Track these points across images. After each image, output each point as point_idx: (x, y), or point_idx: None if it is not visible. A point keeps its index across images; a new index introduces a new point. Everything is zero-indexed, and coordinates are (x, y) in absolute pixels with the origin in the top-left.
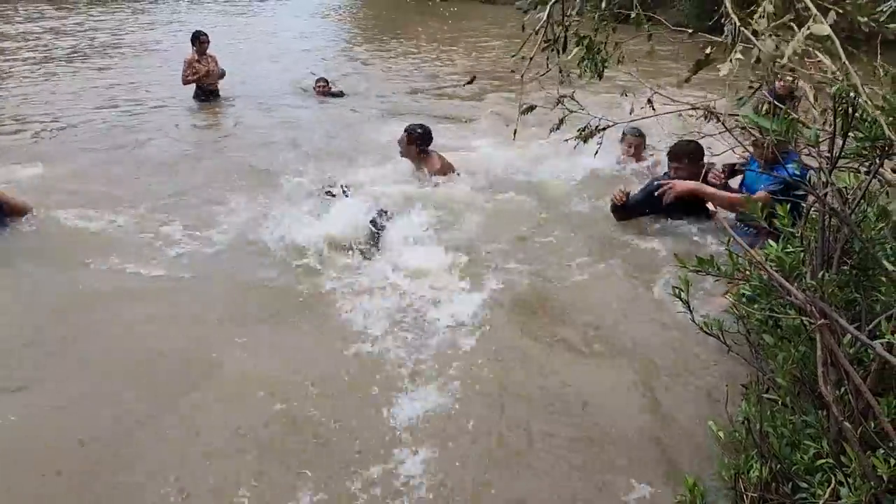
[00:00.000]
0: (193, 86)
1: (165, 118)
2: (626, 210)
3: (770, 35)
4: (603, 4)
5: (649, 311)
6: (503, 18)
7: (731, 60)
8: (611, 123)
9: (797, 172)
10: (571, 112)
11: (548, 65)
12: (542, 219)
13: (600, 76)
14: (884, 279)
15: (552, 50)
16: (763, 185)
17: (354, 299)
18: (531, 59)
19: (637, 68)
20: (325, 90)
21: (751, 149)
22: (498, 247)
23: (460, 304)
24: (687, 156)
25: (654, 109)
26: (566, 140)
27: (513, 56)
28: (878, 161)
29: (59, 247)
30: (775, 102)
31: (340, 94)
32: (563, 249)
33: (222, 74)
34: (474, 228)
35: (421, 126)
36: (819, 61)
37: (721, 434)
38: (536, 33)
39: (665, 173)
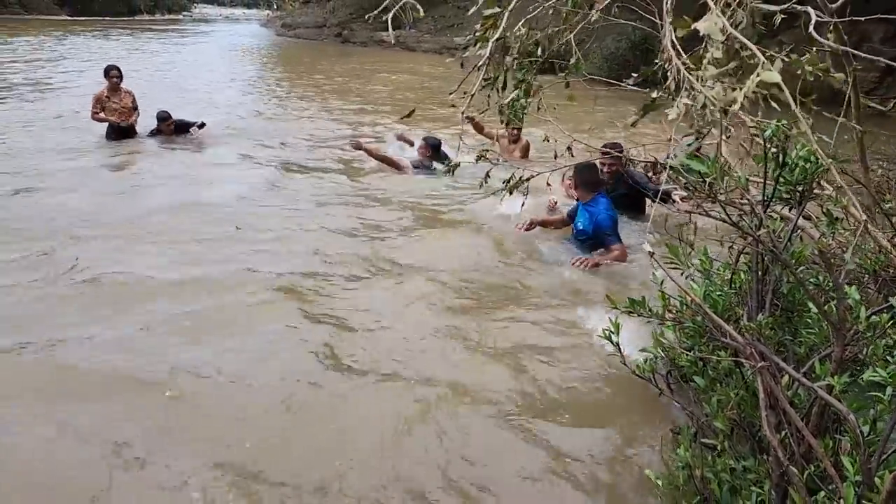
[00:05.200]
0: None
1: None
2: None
3: (717, 81)
4: (539, 51)
5: (578, 354)
6: (422, 62)
7: (677, 105)
8: (535, 174)
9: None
10: (495, 164)
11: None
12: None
13: (516, 124)
14: (809, 321)
15: (492, 88)
16: (583, 222)
17: None
18: (472, 95)
19: (556, 116)
20: (169, 129)
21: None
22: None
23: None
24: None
25: (573, 156)
26: (492, 194)
27: (451, 93)
28: (800, 204)
29: None
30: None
31: (189, 127)
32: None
33: (130, 112)
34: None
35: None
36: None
37: (660, 482)
38: (478, 69)
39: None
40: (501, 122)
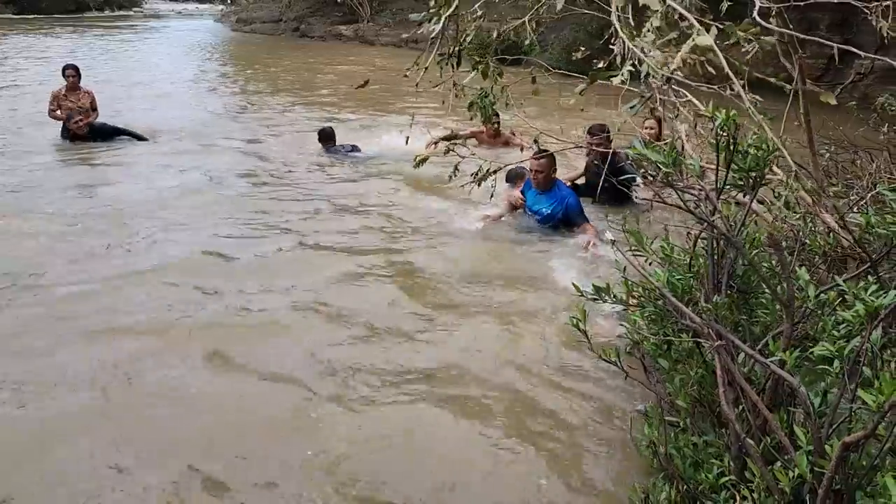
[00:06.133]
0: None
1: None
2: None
3: (657, 49)
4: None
5: (547, 339)
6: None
7: (622, 73)
8: (501, 166)
9: None
10: (463, 158)
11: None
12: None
13: (489, 120)
14: (763, 301)
15: (446, 64)
16: (548, 207)
17: None
18: (426, 69)
19: (524, 111)
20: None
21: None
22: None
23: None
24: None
25: (539, 149)
26: (462, 186)
27: (407, 69)
28: (753, 189)
29: None
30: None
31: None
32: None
33: (87, 112)
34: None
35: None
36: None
37: (627, 461)
38: (431, 43)
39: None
40: (471, 119)
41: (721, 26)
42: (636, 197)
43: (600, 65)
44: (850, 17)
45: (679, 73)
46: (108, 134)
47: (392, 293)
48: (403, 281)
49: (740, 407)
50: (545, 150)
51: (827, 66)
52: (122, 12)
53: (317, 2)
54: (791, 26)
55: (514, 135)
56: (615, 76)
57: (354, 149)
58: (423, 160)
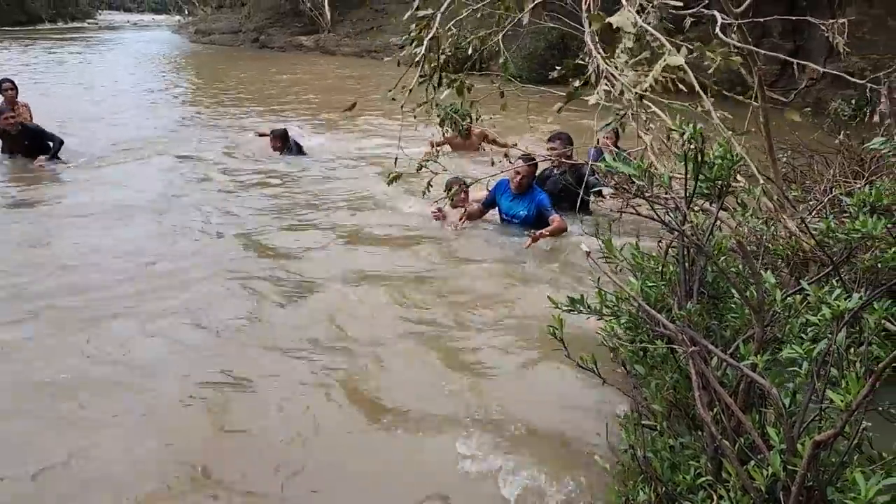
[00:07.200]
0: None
1: None
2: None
3: (630, 69)
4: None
5: (526, 348)
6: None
7: (598, 92)
8: (473, 180)
9: None
10: (436, 174)
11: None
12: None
13: (461, 133)
14: (733, 306)
15: (428, 84)
16: (525, 209)
17: None
18: (410, 90)
19: (494, 125)
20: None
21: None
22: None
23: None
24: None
25: (510, 162)
26: (436, 201)
27: (390, 91)
28: (719, 198)
29: None
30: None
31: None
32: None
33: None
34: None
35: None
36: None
37: (607, 465)
38: (415, 65)
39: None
40: (443, 133)
41: (691, 46)
42: (599, 204)
43: (576, 83)
44: (801, 23)
45: (651, 91)
46: (39, 136)
47: (376, 299)
48: (392, 285)
49: (715, 409)
50: (530, 156)
51: (781, 72)
52: (75, 24)
53: (277, 13)
54: (750, 39)
55: (486, 139)
56: (591, 95)
57: (300, 150)
58: (396, 177)
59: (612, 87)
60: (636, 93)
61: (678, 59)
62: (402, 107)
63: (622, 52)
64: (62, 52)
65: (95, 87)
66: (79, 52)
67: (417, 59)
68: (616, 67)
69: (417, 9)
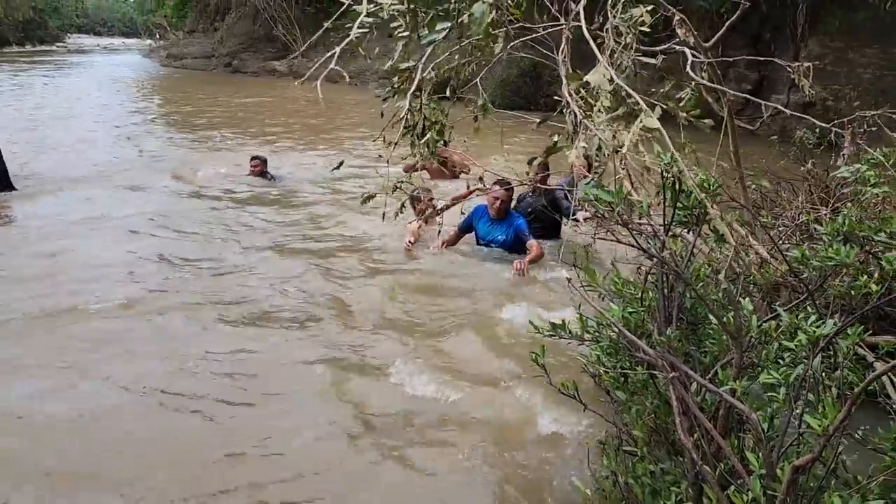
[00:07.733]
0: None
1: None
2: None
3: (608, 126)
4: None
5: (507, 374)
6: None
7: (576, 148)
8: (451, 203)
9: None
10: (411, 193)
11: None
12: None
13: (433, 156)
14: (711, 332)
15: (412, 134)
16: (503, 234)
17: None
18: (395, 144)
19: (468, 148)
20: None
21: None
22: None
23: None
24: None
25: (484, 185)
26: (410, 223)
27: (374, 140)
28: (696, 226)
29: None
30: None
31: None
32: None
33: None
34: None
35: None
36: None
37: (588, 491)
38: (399, 121)
39: None
40: (414, 155)
41: (665, 106)
42: (574, 230)
43: (555, 138)
44: (764, 54)
45: (628, 153)
46: None
47: (363, 322)
48: (373, 309)
49: (695, 435)
50: (506, 181)
51: (746, 102)
52: (43, 47)
53: (249, 37)
54: (719, 71)
55: (462, 164)
56: (570, 150)
57: (273, 177)
58: (370, 197)
59: (590, 143)
60: (614, 148)
61: (654, 122)
62: (387, 162)
63: (599, 110)
64: (29, 75)
65: (60, 115)
66: (46, 75)
67: (403, 113)
68: (594, 122)
69: (399, 60)
